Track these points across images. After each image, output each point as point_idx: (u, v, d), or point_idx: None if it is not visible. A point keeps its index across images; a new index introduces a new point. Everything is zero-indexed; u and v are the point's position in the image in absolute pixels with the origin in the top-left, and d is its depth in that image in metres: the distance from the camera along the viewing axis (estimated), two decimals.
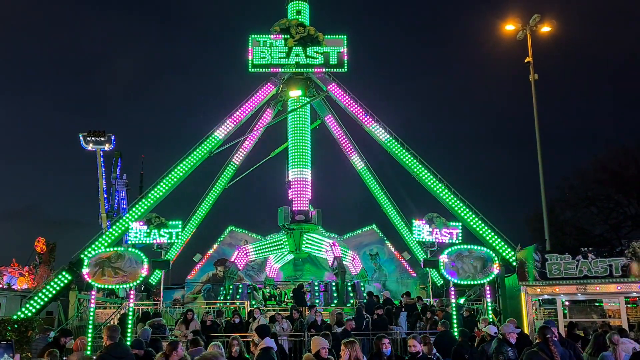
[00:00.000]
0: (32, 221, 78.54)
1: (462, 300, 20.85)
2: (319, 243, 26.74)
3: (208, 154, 24.86)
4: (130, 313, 14.50)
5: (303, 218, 26.85)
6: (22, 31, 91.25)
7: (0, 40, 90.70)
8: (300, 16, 28.49)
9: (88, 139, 24.01)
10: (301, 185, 27.51)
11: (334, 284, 24.06)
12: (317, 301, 22.42)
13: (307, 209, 27.37)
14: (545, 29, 23.25)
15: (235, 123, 25.75)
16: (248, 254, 27.34)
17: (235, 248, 28.30)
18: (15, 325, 17.40)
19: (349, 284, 24.24)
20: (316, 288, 23.97)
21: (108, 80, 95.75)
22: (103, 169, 31.71)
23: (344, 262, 25.37)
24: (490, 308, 16.37)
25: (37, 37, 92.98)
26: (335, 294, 23.39)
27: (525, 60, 23.40)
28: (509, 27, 23.59)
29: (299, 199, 27.39)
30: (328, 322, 16.07)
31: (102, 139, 24.63)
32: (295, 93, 27.76)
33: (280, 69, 26.99)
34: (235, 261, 26.57)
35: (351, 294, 23.64)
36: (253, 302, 22.46)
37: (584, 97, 78.82)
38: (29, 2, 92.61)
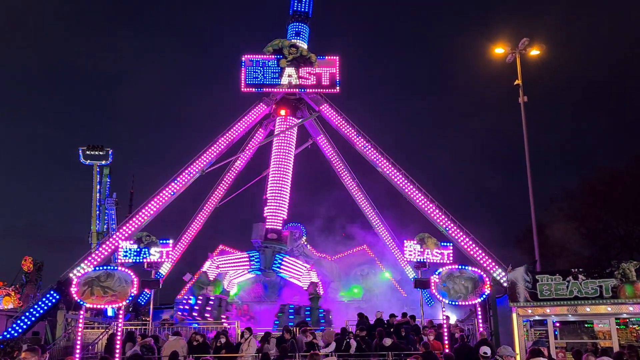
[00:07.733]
0: (22, 240, 77.56)
1: (453, 321, 20.78)
2: (294, 267, 26.66)
3: (199, 172, 24.79)
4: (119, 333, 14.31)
5: (275, 237, 26.76)
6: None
7: None
8: (299, 37, 28.72)
9: (87, 153, 24.05)
10: (278, 205, 27.50)
11: (307, 308, 24.12)
12: (290, 324, 22.37)
13: (280, 228, 27.24)
14: (534, 52, 23.72)
15: (227, 142, 25.78)
16: (219, 266, 27.11)
17: (208, 257, 28.00)
18: (1, 346, 17.05)
19: (322, 310, 24.38)
20: (290, 311, 24.09)
21: (98, 97, 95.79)
22: (99, 185, 31.56)
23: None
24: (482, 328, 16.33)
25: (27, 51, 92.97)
26: (308, 319, 23.15)
27: (515, 83, 23.80)
28: (499, 50, 24.08)
29: (273, 217, 27.32)
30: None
31: (100, 153, 24.74)
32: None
33: (272, 89, 27.15)
34: (207, 271, 26.33)
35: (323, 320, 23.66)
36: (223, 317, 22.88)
37: (573, 119, 79.94)
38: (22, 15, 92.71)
